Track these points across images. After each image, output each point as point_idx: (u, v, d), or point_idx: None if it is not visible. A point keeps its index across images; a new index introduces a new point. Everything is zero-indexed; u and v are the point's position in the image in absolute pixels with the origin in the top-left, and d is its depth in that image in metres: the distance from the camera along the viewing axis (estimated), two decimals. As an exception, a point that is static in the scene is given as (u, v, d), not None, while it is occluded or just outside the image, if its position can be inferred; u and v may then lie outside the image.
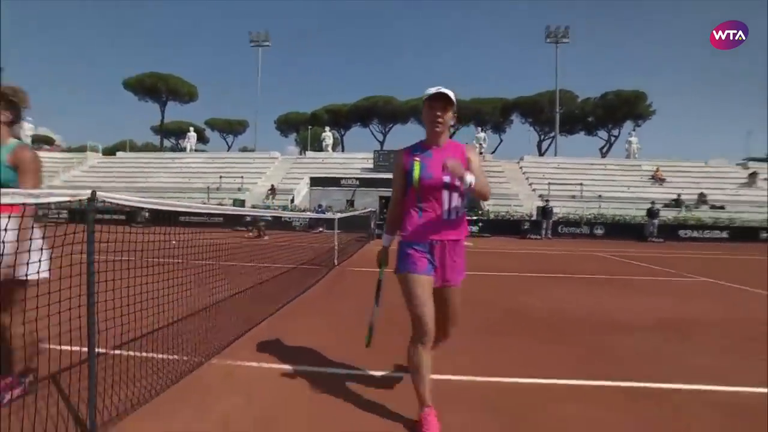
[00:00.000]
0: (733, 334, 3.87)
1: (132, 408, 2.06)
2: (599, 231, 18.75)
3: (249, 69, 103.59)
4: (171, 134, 54.12)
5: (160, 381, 2.37)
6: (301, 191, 24.60)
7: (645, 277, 7.53)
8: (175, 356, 2.68)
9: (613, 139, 48.13)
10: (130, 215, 18.56)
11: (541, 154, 44.35)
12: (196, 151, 37.56)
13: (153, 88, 46.85)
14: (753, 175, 25.65)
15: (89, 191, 1.74)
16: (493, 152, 46.73)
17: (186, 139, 36.56)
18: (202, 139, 54.26)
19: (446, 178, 1.94)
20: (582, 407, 2.28)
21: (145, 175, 28.26)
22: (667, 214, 20.05)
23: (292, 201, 22.84)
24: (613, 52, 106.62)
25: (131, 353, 2.69)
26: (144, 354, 2.74)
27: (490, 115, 47.69)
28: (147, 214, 17.64)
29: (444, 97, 1.92)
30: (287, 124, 56.41)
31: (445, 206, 1.99)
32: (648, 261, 10.13)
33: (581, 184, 23.02)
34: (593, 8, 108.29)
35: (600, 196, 22.20)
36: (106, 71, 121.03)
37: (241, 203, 20.43)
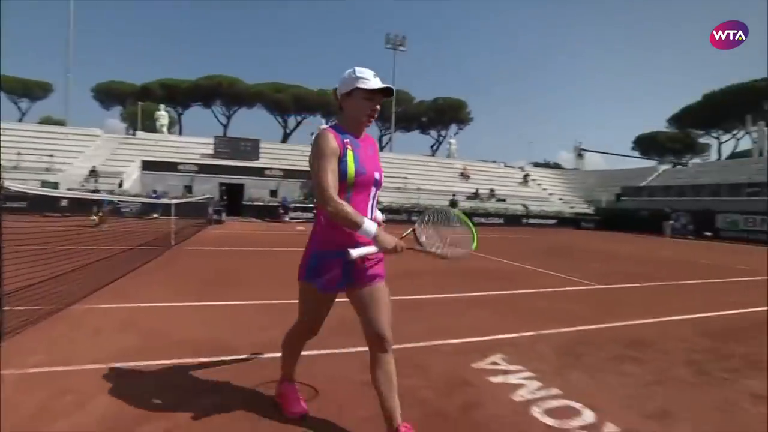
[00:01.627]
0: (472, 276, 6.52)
1: None
2: (415, 218, 22.74)
3: (57, 15, 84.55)
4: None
5: None
6: (132, 175, 22.92)
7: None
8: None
9: (441, 138, 56.06)
10: None
11: (381, 149, 49.10)
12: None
13: None
14: (526, 177, 33.90)
15: None
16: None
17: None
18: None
19: (376, 175, 1.82)
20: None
21: None
22: (467, 204, 25.46)
23: (121, 185, 21.23)
24: (446, 61, 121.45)
25: None
26: None
27: (337, 107, 50.17)
28: None
29: (389, 93, 1.76)
30: (109, 95, 48.95)
31: (370, 205, 1.84)
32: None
33: (405, 178, 27.26)
34: (428, 20, 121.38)
35: (419, 188, 26.70)
36: None
37: (53, 186, 18.26)
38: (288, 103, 48.73)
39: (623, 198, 28.92)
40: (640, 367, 3.06)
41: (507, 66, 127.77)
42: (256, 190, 24.04)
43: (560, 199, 30.89)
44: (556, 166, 51.25)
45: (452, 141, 42.24)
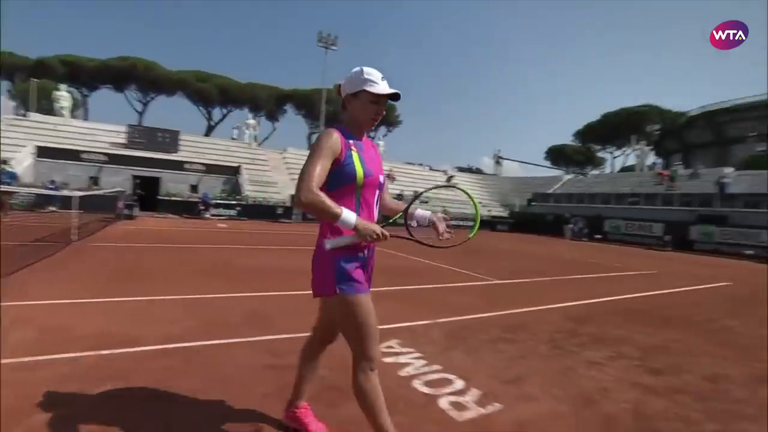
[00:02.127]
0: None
1: None
2: (341, 217, 23.14)
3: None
4: None
5: None
6: (23, 162, 20.40)
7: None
8: None
9: (371, 139, 56.72)
10: None
11: (310, 147, 48.61)
12: None
13: None
14: (450, 179, 35.77)
15: None
16: (266, 139, 48.24)
17: None
18: None
19: (381, 177, 1.77)
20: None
21: None
22: (392, 206, 26.30)
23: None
24: (378, 64, 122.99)
25: None
26: None
27: (266, 102, 48.75)
28: None
29: (397, 98, 1.70)
30: (-6, 67, 42.67)
31: (375, 208, 1.80)
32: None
33: (333, 178, 27.43)
34: (360, 21, 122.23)
35: (346, 188, 27.03)
36: None
37: None
38: (212, 94, 46.28)
39: (534, 203, 31.73)
40: (512, 345, 3.65)
41: (437, 75, 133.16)
42: (174, 185, 22.67)
43: (480, 203, 33.02)
44: (478, 171, 54.48)
45: (380, 143, 43.19)
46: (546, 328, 4.29)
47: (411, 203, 1.90)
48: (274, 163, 28.14)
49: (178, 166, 23.67)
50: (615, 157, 52.19)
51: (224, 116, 49.91)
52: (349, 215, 1.53)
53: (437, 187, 1.78)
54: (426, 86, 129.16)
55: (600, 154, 53.46)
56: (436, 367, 3.02)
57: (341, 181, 1.64)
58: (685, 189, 24.00)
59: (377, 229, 1.55)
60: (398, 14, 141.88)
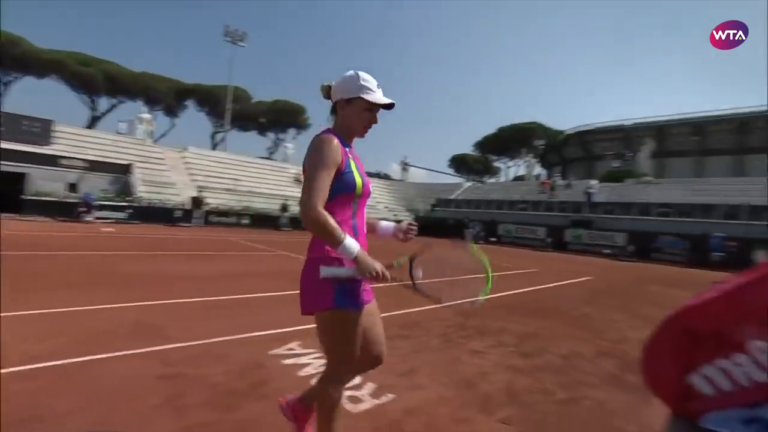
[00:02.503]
0: (276, 278, 6.69)
1: None
2: (245, 221, 22.20)
3: None
4: None
5: None
6: None
7: (240, 253, 10.41)
8: None
9: (279, 142, 55.20)
10: None
11: (214, 146, 45.80)
12: None
13: None
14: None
15: None
16: (164, 136, 44.35)
17: None
18: None
19: (369, 186, 1.69)
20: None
21: None
22: (297, 210, 25.89)
23: None
24: (287, 64, 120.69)
25: None
26: None
27: (164, 96, 44.70)
28: None
29: (391, 107, 1.67)
30: None
31: (365, 219, 1.75)
32: (263, 243, 13.53)
33: (237, 179, 26.20)
34: (273, 21, 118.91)
35: (251, 191, 26.00)
36: None
37: None
38: (98, 81, 40.99)
39: (437, 208, 33.67)
40: (407, 341, 3.93)
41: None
42: (45, 183, 19.59)
43: (386, 207, 34.07)
44: (387, 177, 56.14)
45: (289, 145, 42.40)
46: (439, 324, 4.67)
47: (413, 259, 1.76)
48: (172, 162, 25.96)
49: (50, 161, 20.50)
50: (509, 167, 57.72)
51: (112, 107, 44.61)
52: (352, 244, 1.43)
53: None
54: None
55: (496, 164, 58.64)
56: (335, 365, 3.15)
57: (341, 190, 1.55)
58: (563, 197, 27.50)
59: (379, 267, 1.46)
60: (308, 14, 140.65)
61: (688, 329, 1.42)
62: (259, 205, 24.49)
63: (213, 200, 22.32)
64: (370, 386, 2.81)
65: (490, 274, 1.66)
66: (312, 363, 3.15)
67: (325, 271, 1.52)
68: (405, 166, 46.78)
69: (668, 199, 23.16)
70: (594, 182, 28.84)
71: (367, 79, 1.61)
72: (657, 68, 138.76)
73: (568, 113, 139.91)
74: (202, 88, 46.29)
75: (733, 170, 36.66)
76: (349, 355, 1.60)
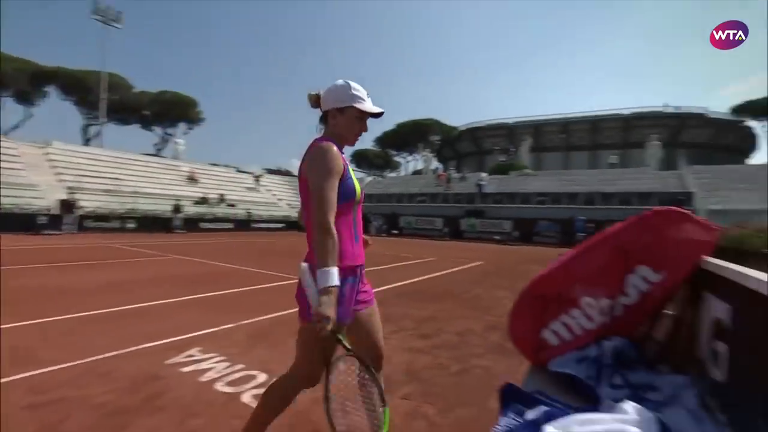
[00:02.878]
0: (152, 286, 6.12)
1: None
2: (131, 225, 19.92)
3: None
4: None
5: None
6: None
7: (126, 260, 9.41)
8: None
9: (168, 137, 50.31)
10: None
11: (86, 141, 40.11)
12: None
13: None
14: (258, 177, 34.94)
15: None
16: (17, 128, 37.74)
17: None
18: None
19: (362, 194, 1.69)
20: None
21: None
22: (195, 210, 24.05)
23: None
24: (173, 54, 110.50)
25: None
26: None
27: (13, 79, 37.56)
28: None
29: (379, 116, 1.69)
30: None
31: (360, 224, 1.72)
32: (154, 248, 12.32)
33: (118, 179, 23.34)
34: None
35: (136, 191, 23.39)
36: None
37: None
38: None
39: (341, 204, 33.82)
40: (313, 335, 3.99)
41: (244, 72, 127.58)
42: None
43: (288, 204, 33.29)
44: (288, 173, 54.74)
45: (180, 141, 38.96)
46: (345, 315, 4.81)
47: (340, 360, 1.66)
48: (31, 159, 22.08)
49: None
50: (408, 162, 60.23)
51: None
52: (332, 278, 1.40)
53: None
54: (233, 84, 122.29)
55: (396, 159, 60.75)
56: (239, 366, 3.09)
57: (344, 198, 1.55)
58: (457, 189, 29.58)
59: (331, 314, 1.38)
60: (195, 6, 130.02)
61: (539, 295, 1.74)
62: (147, 206, 22.14)
63: (88, 203, 19.57)
64: (276, 383, 2.82)
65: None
66: (214, 367, 3.05)
67: (305, 271, 1.54)
68: (306, 161, 46.01)
69: (544, 188, 26.37)
70: (484, 175, 31.50)
71: (358, 89, 1.64)
72: (531, 72, 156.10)
73: (461, 110, 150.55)
74: (66, 72, 39.78)
75: (589, 163, 43.28)
76: (312, 363, 1.63)
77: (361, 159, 59.01)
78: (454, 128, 53.24)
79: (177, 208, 21.48)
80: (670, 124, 42.97)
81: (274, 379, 1.78)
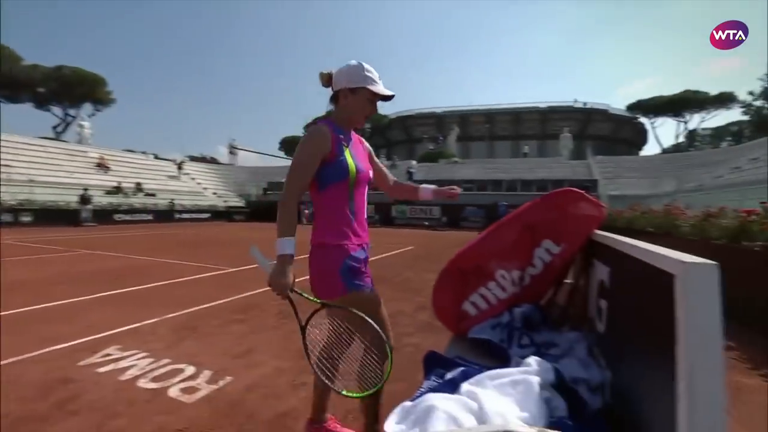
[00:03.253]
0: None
1: None
2: (26, 218, 17.65)
3: None
4: None
5: None
6: None
7: (24, 257, 8.39)
8: None
9: (70, 119, 44.95)
10: None
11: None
12: None
13: None
14: (181, 164, 32.66)
15: None
16: None
17: None
18: None
19: (370, 172, 1.73)
20: None
21: None
22: (107, 200, 21.89)
23: None
24: (77, 25, 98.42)
25: None
26: None
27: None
28: None
29: (390, 99, 1.70)
30: None
31: (365, 205, 1.73)
32: (58, 243, 11.06)
33: (8, 166, 20.45)
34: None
35: (32, 180, 20.71)
36: None
37: None
38: None
39: (269, 192, 32.74)
40: (243, 325, 3.91)
41: (168, 51, 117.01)
42: None
43: (214, 193, 31.61)
44: (213, 160, 51.78)
45: (85, 124, 35.01)
46: (276, 304, 4.72)
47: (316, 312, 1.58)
48: None
49: None
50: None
51: None
52: (285, 247, 1.47)
53: None
54: (151, 62, 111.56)
55: (328, 146, 60.09)
56: (164, 361, 2.95)
57: (333, 178, 1.58)
58: (389, 177, 30.06)
59: (285, 291, 1.46)
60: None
61: (459, 269, 1.88)
62: (46, 197, 19.71)
63: (-31, 194, 16.99)
64: (206, 374, 2.75)
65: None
66: (136, 364, 2.88)
67: (254, 252, 1.58)
68: (233, 149, 43.90)
69: (470, 176, 27.73)
70: (414, 162, 32.29)
71: (371, 71, 1.63)
72: (454, 65, 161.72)
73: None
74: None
75: (512, 152, 46.25)
76: (384, 325, 1.70)
77: (290, 146, 57.49)
78: (384, 116, 53.75)
79: (85, 199, 19.38)
80: (579, 118, 47.29)
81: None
